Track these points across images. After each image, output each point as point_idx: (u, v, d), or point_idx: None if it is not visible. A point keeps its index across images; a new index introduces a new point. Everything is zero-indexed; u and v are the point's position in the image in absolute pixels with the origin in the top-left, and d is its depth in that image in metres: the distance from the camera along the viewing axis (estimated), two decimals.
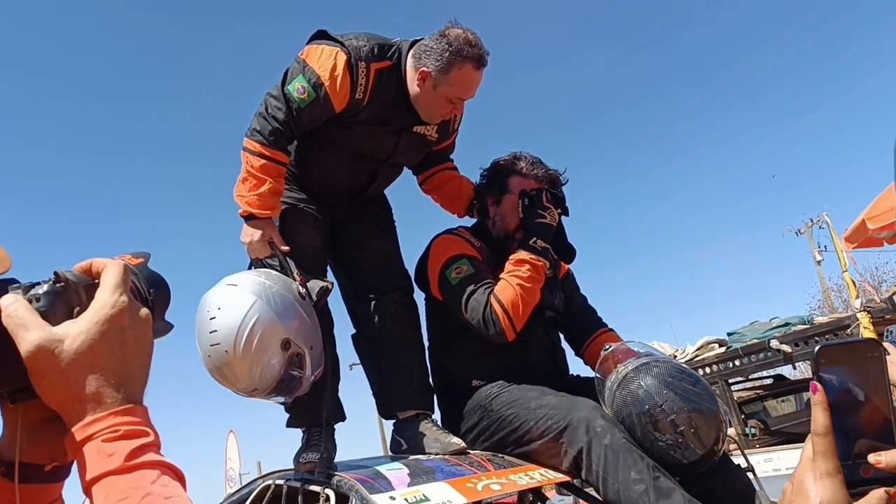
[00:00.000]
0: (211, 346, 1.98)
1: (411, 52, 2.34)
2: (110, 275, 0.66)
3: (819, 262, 23.60)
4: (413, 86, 2.33)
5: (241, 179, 2.27)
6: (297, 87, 2.22)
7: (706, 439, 1.97)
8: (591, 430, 1.99)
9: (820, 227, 24.11)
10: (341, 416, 2.37)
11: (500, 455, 2.26)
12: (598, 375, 2.25)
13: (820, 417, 0.67)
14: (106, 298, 0.65)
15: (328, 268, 2.55)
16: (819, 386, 0.68)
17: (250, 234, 2.27)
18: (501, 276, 2.36)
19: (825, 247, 23.40)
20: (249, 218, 2.27)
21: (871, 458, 0.66)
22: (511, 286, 2.30)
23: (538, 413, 2.16)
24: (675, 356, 6.65)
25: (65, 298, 0.65)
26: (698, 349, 6.61)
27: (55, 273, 0.66)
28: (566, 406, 2.12)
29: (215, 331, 1.98)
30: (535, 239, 2.36)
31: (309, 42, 2.34)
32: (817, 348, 0.69)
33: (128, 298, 0.65)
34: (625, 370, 2.10)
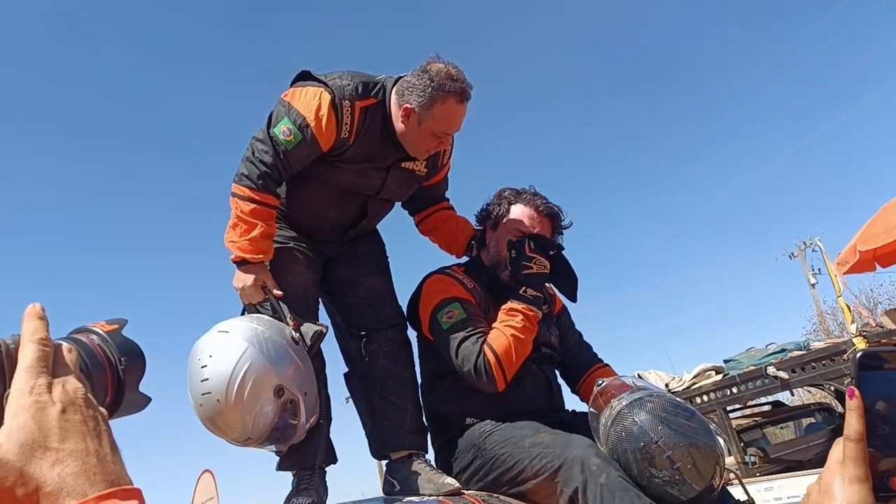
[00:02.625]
0: (202, 395, 1.95)
1: (395, 89, 2.34)
2: (23, 357, 0.59)
3: (813, 286, 23.62)
4: (398, 122, 2.33)
5: (231, 225, 2.26)
6: (282, 130, 2.22)
7: (704, 474, 1.94)
8: (587, 468, 1.95)
9: (813, 251, 24.22)
10: (333, 459, 2.34)
11: (494, 495, 2.22)
12: (591, 411, 2.22)
13: (854, 423, 0.67)
14: (19, 384, 0.58)
15: (320, 306, 2.53)
16: (857, 391, 0.68)
17: (243, 279, 2.25)
18: (494, 325, 2.35)
19: (819, 270, 23.45)
20: (242, 263, 2.25)
21: None
22: (505, 336, 2.29)
23: (532, 452, 2.13)
24: (670, 385, 6.61)
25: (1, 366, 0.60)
26: (695, 377, 6.56)
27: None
28: (560, 444, 2.08)
29: (207, 379, 1.95)
30: (524, 289, 2.36)
31: (293, 83, 2.34)
32: (859, 353, 0.69)
33: (45, 380, 0.58)
34: (618, 406, 2.07)
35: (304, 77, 2.34)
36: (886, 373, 0.68)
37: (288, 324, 2.16)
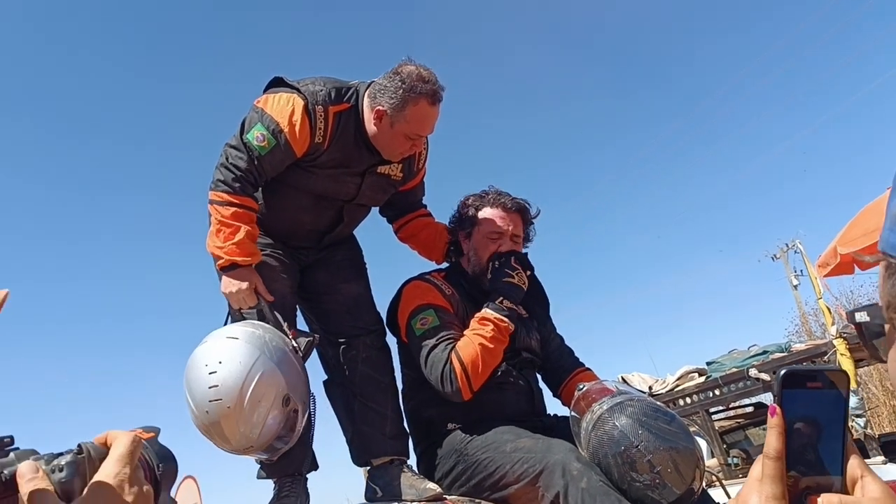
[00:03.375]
0: (210, 401, 1.91)
1: (367, 92, 2.35)
2: (117, 447, 0.69)
3: (796, 287, 23.76)
4: (370, 125, 2.33)
5: (213, 232, 2.24)
6: (256, 136, 2.21)
7: (685, 478, 1.94)
8: (568, 473, 1.95)
9: (795, 252, 24.39)
10: (314, 466, 2.32)
11: (476, 501, 2.22)
12: (572, 415, 2.23)
13: (774, 441, 0.67)
14: (108, 469, 0.67)
15: (297, 313, 2.51)
16: (778, 410, 0.68)
17: (235, 284, 2.23)
18: (465, 333, 2.34)
19: (801, 271, 23.63)
20: (231, 268, 2.23)
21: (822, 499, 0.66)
22: (473, 345, 2.28)
23: (514, 457, 2.13)
24: (653, 387, 6.63)
25: (83, 470, 0.68)
26: (678, 379, 6.59)
27: (78, 445, 0.69)
28: (542, 449, 2.08)
29: (216, 386, 1.92)
30: (501, 298, 2.36)
31: (265, 90, 2.34)
32: (783, 372, 0.69)
33: (130, 471, 0.68)
34: (599, 410, 2.07)
35: (277, 83, 2.33)
36: (809, 391, 0.69)
37: (286, 332, 2.15)
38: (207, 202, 2.28)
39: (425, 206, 2.76)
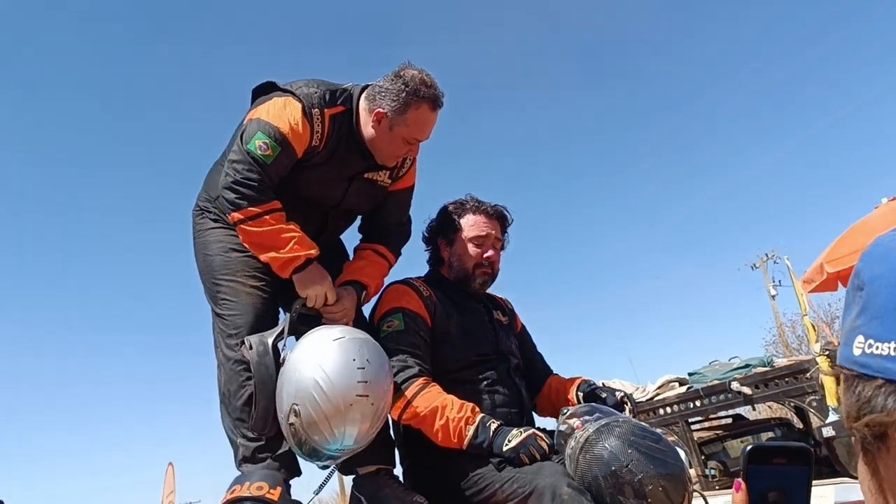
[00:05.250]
0: (358, 396, 1.94)
1: (364, 95, 2.34)
2: None
3: (773, 297, 24.04)
4: (368, 128, 2.32)
5: (262, 247, 2.22)
6: (258, 145, 2.17)
7: (674, 498, 1.93)
8: (558, 497, 1.94)
9: (774, 262, 24.64)
10: (297, 472, 2.29)
11: None
12: (557, 440, 2.18)
13: None
14: None
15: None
16: (743, 485, 0.73)
17: (316, 281, 2.24)
18: (439, 391, 2.28)
19: (779, 281, 23.90)
20: (305, 265, 2.22)
21: None
22: (433, 404, 2.23)
23: (503, 475, 2.12)
24: (633, 395, 6.64)
25: None
26: (659, 388, 6.61)
27: None
28: (532, 470, 2.07)
29: (366, 382, 1.96)
30: (505, 448, 2.16)
31: (256, 92, 2.33)
32: (749, 448, 0.74)
33: None
34: (587, 433, 2.06)
35: (268, 88, 2.32)
36: (774, 467, 0.73)
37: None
38: (232, 227, 2.27)
39: (387, 245, 2.63)
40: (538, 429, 2.45)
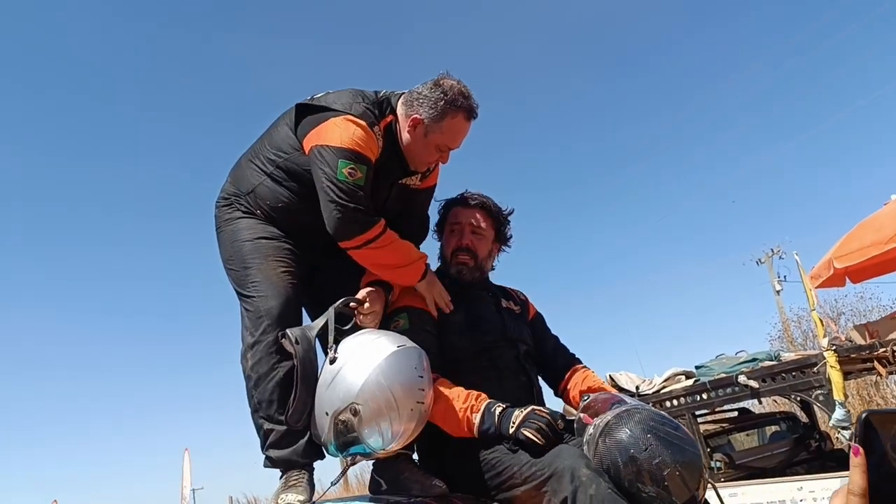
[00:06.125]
0: (418, 402, 2.09)
1: (401, 101, 2.40)
2: None
3: (778, 293, 24.00)
4: (404, 133, 2.38)
5: (389, 264, 2.37)
6: (346, 173, 2.21)
7: (690, 484, 1.97)
8: (577, 478, 1.96)
9: (780, 258, 24.60)
10: (321, 455, 2.33)
11: (482, 500, 2.23)
12: (579, 422, 2.24)
13: (858, 479, 0.72)
14: None
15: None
16: (860, 449, 0.72)
17: (435, 285, 2.47)
18: (459, 381, 2.36)
19: (784, 277, 23.85)
20: (427, 271, 2.40)
21: None
22: (443, 402, 2.28)
23: (522, 458, 2.14)
24: (640, 387, 6.68)
25: None
26: (665, 380, 6.64)
27: None
28: (551, 453, 2.10)
29: (424, 390, 2.12)
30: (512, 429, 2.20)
31: (299, 117, 2.38)
32: (865, 414, 0.74)
33: None
34: (607, 418, 2.09)
35: (308, 109, 2.36)
36: (890, 432, 0.73)
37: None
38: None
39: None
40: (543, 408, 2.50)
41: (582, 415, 2.21)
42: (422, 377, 2.10)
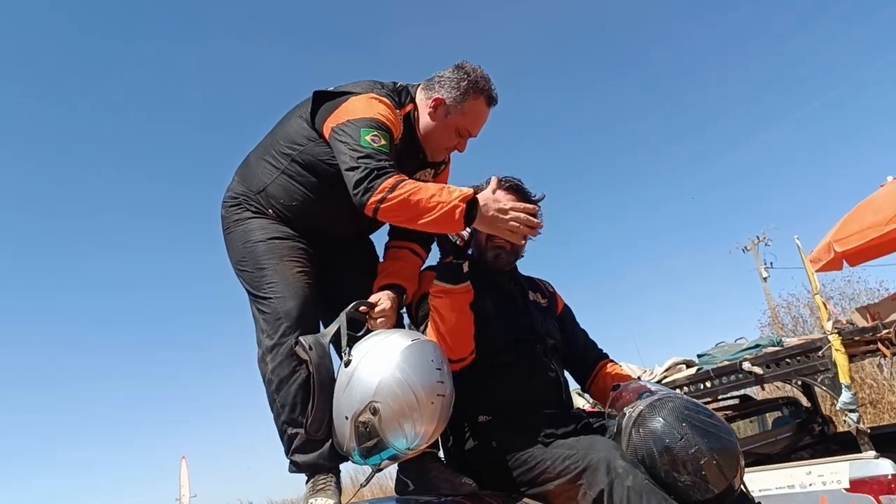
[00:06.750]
0: (438, 395, 2.03)
1: (422, 87, 2.39)
2: None
3: (765, 279, 24.19)
4: (424, 115, 2.35)
5: (420, 215, 2.06)
6: (369, 139, 2.12)
7: (728, 473, 1.93)
8: (613, 470, 1.93)
9: (766, 245, 24.78)
10: (345, 458, 2.28)
11: (513, 496, 2.18)
12: (609, 413, 2.21)
13: None
14: None
15: None
16: None
17: (498, 207, 2.15)
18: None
19: (771, 263, 24.05)
20: (474, 202, 2.08)
21: None
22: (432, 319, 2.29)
23: (555, 453, 2.10)
24: (641, 378, 6.65)
25: None
26: (666, 370, 6.61)
27: None
28: (584, 446, 2.06)
29: (443, 382, 2.06)
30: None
31: (316, 105, 2.31)
32: None
33: None
34: (639, 408, 2.05)
35: (325, 97, 2.31)
36: None
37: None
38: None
39: (421, 243, 2.60)
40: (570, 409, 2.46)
41: (612, 407, 2.18)
42: (440, 369, 2.05)
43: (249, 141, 2.59)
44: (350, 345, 2.12)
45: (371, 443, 1.99)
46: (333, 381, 2.09)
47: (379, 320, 2.24)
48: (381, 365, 2.01)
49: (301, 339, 2.14)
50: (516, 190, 2.52)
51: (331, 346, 2.18)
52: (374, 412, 1.97)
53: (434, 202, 2.03)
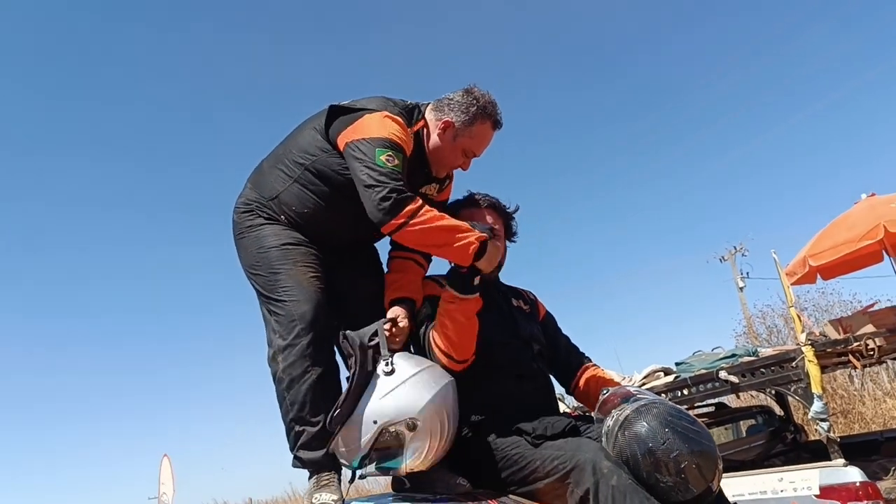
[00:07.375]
0: (454, 434, 2.27)
1: (431, 107, 2.51)
2: None
3: (741, 289, 24.46)
4: (433, 135, 2.47)
5: (436, 244, 2.32)
6: (384, 159, 2.25)
7: (707, 475, 2.04)
8: (598, 471, 2.04)
9: (743, 255, 25.07)
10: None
11: (505, 495, 2.29)
12: (597, 417, 2.32)
13: None
14: None
15: None
16: None
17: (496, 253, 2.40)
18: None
19: (747, 274, 24.33)
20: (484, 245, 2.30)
21: None
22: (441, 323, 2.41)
23: (544, 453, 2.20)
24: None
25: None
26: (645, 377, 6.73)
27: None
28: (572, 447, 2.17)
29: (457, 421, 2.30)
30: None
31: (330, 119, 2.42)
32: None
33: None
34: (626, 412, 2.16)
35: (340, 111, 2.41)
36: None
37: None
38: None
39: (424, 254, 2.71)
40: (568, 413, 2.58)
41: (600, 411, 2.29)
42: (457, 411, 2.26)
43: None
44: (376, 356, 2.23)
45: (387, 452, 2.13)
46: (368, 383, 2.19)
47: (396, 335, 2.35)
48: (431, 389, 2.17)
49: (348, 333, 2.26)
50: (495, 207, 2.70)
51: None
52: (412, 428, 2.11)
53: (452, 237, 2.25)
